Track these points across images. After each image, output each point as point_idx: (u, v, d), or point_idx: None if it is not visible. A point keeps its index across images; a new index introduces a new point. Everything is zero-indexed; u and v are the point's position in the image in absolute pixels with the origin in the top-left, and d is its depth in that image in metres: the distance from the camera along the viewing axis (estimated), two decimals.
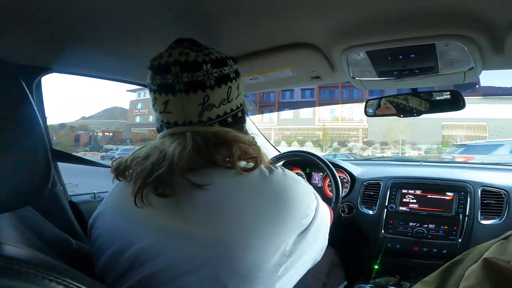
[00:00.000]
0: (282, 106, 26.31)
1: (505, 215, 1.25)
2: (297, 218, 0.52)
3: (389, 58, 0.85)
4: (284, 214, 0.50)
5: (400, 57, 0.83)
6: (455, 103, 1.10)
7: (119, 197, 0.56)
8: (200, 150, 0.50)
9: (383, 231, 1.40)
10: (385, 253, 1.40)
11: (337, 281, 1.34)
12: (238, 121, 0.59)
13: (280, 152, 1.94)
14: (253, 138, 0.59)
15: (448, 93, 1.10)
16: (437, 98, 1.12)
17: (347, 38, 0.83)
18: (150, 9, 0.66)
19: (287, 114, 26.25)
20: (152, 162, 0.50)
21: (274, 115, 26.78)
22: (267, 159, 0.57)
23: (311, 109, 25.21)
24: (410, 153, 19.85)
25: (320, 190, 1.66)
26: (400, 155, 19.24)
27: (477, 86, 19.31)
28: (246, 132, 0.61)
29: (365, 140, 23.52)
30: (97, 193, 1.12)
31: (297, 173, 1.79)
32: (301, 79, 1.15)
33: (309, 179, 1.75)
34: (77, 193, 1.10)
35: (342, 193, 1.60)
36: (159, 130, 0.57)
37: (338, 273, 1.40)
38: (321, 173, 1.70)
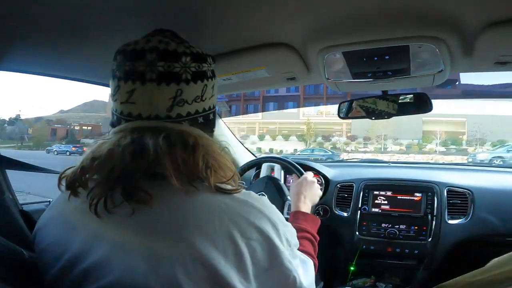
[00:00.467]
0: (266, 101, 26.15)
1: (470, 214, 1.30)
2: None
3: (365, 59, 0.86)
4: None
5: (375, 58, 0.84)
6: (423, 105, 1.14)
7: (64, 207, 0.51)
8: (171, 151, 0.46)
9: (357, 233, 1.41)
10: (360, 254, 1.41)
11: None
12: (209, 123, 0.55)
13: (256, 156, 1.91)
14: (225, 147, 0.54)
15: (415, 95, 1.14)
16: (406, 100, 1.15)
17: (324, 39, 0.82)
18: (112, 5, 0.62)
19: (272, 108, 26.12)
20: (119, 162, 0.44)
21: (259, 108, 26.60)
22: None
23: (296, 103, 25.12)
24: (392, 148, 20.51)
25: None
26: (382, 149, 20.01)
27: (456, 83, 20.23)
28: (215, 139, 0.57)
29: (348, 135, 23.85)
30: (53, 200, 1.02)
31: (272, 177, 1.77)
32: (276, 80, 1.13)
33: (284, 182, 1.74)
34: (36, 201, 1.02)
35: None
36: (114, 124, 0.52)
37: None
38: (296, 176, 1.69)
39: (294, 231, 0.55)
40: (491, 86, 21.07)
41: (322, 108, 25.06)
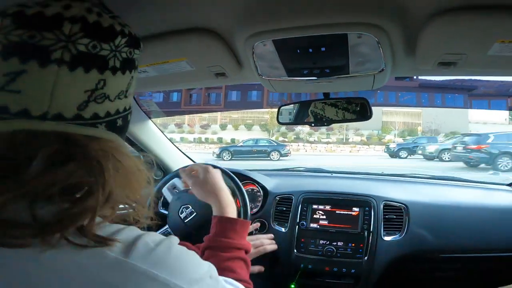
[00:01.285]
0: (229, 88, 25.07)
1: (405, 230, 1.28)
2: None
3: (298, 51, 0.73)
4: None
5: (310, 50, 0.72)
6: (363, 111, 1.07)
7: None
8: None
9: (295, 250, 1.31)
10: (299, 273, 1.31)
11: None
12: (125, 126, 0.44)
13: (194, 161, 1.71)
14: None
15: (356, 100, 1.06)
16: (346, 106, 1.07)
17: (251, 23, 0.68)
18: None
19: (235, 96, 25.30)
20: None
21: (221, 97, 25.60)
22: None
23: (260, 91, 24.20)
24: (354, 138, 21.11)
25: None
26: (344, 140, 20.53)
27: (414, 76, 22.28)
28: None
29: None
30: None
31: None
32: (203, 75, 0.96)
33: None
34: None
35: (253, 208, 1.46)
36: None
37: None
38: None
39: (212, 283, 0.43)
40: (447, 80, 22.66)
41: (287, 96, 24.75)
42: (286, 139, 20.39)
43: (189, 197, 1.21)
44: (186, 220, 1.14)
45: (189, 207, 1.18)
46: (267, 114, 24.32)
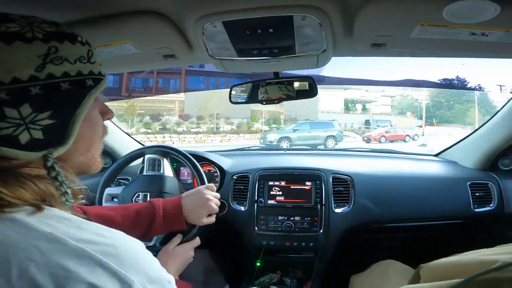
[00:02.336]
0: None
1: (352, 202, 1.37)
2: None
3: (248, 32, 0.76)
4: None
5: (259, 31, 0.75)
6: (310, 90, 1.14)
7: None
8: None
9: (256, 228, 1.35)
10: (263, 250, 1.36)
11: (217, 286, 1.23)
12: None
13: (144, 145, 1.67)
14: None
15: (303, 79, 1.13)
16: (296, 84, 1.13)
17: (200, 4, 0.69)
18: None
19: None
20: None
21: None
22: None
23: (117, 77, 20.37)
24: (224, 127, 20.24)
25: (191, 187, 1.50)
26: (215, 129, 19.69)
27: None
28: None
29: (181, 113, 21.81)
30: None
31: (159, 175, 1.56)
32: (151, 57, 0.94)
33: (177, 175, 1.55)
34: None
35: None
36: None
37: (217, 277, 1.28)
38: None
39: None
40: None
41: (151, 83, 21.47)
42: (149, 130, 18.67)
43: (144, 183, 1.20)
44: None
45: (144, 193, 1.17)
46: (125, 102, 21.06)
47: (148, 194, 1.17)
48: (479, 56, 0.87)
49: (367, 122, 23.07)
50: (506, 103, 1.28)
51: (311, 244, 1.32)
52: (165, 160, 1.43)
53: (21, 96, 0.40)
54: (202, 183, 1.18)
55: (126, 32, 0.77)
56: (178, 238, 1.04)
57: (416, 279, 0.51)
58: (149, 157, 1.30)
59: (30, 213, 0.39)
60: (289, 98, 1.15)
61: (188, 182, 1.55)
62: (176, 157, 1.28)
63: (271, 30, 0.74)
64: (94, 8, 0.70)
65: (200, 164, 1.26)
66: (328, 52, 0.86)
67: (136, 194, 1.17)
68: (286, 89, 1.14)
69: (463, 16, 0.61)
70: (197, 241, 1.06)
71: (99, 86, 0.49)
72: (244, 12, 0.68)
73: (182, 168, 1.57)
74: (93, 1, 0.67)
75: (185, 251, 0.98)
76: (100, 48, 0.83)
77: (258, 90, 1.17)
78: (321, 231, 1.31)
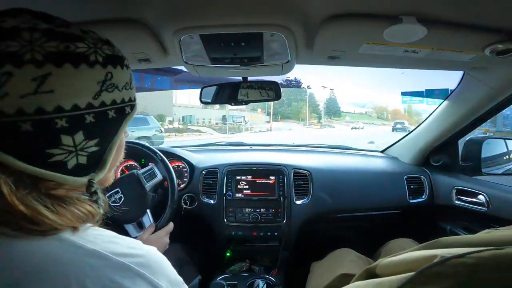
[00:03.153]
0: None
1: (311, 194, 1.50)
2: None
3: (222, 44, 0.84)
4: None
5: (232, 44, 0.84)
6: (275, 93, 1.24)
7: None
8: None
9: (225, 220, 1.44)
10: (231, 240, 1.45)
11: (189, 277, 1.28)
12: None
13: None
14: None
15: (269, 84, 1.22)
16: (262, 87, 1.22)
17: (180, 19, 0.76)
18: None
19: None
20: None
21: None
22: None
23: None
24: None
25: (160, 182, 1.54)
26: None
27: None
28: None
29: None
30: None
31: (131, 165, 1.58)
32: None
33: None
34: None
35: (181, 184, 1.53)
36: None
37: (188, 269, 1.33)
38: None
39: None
40: None
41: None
42: None
43: (117, 182, 1.22)
44: (115, 205, 1.16)
45: (118, 192, 1.19)
46: None
47: (123, 195, 1.19)
48: (411, 68, 1.05)
49: (224, 118, 24.16)
50: (438, 107, 1.50)
51: (276, 233, 1.43)
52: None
53: (77, 124, 0.40)
54: (171, 179, 1.23)
55: (107, 37, 0.81)
56: (151, 228, 1.10)
57: (370, 275, 0.57)
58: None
59: (72, 231, 0.40)
60: (255, 100, 1.23)
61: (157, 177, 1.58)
62: (146, 153, 1.31)
63: (243, 44, 0.84)
64: (78, 12, 0.73)
65: (169, 160, 1.31)
66: (292, 62, 0.97)
67: (112, 192, 1.19)
68: (253, 92, 1.23)
69: (398, 37, 0.75)
70: (170, 226, 1.11)
71: (133, 112, 0.48)
72: (220, 27, 0.77)
73: (150, 163, 1.59)
74: (82, 6, 0.70)
75: (160, 239, 1.02)
76: None
77: (227, 92, 1.25)
78: (284, 221, 1.43)
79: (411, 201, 1.55)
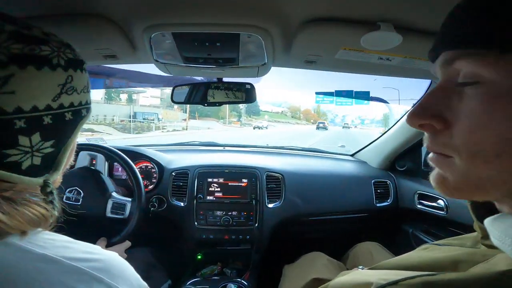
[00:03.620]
0: None
1: (283, 197, 1.50)
2: None
3: (196, 43, 0.80)
4: None
5: (207, 44, 0.80)
6: (250, 95, 1.22)
7: None
8: None
9: (196, 223, 1.40)
10: (203, 244, 1.41)
11: (158, 282, 1.24)
12: None
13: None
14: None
15: (244, 86, 1.20)
16: (236, 89, 1.19)
17: (151, 15, 0.71)
18: None
19: None
20: None
21: None
22: None
23: None
24: None
25: (125, 183, 1.46)
26: None
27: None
28: None
29: None
30: None
31: (91, 169, 1.49)
32: (89, 56, 0.90)
33: (110, 171, 1.50)
34: None
35: (149, 185, 1.47)
36: None
37: (158, 273, 1.29)
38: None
39: None
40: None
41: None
42: None
43: (74, 178, 1.16)
44: (72, 203, 1.11)
45: (76, 189, 1.13)
46: None
47: (81, 191, 1.13)
48: (384, 75, 1.07)
49: (136, 115, 22.60)
50: (405, 114, 1.56)
51: (248, 236, 1.42)
52: (98, 157, 1.37)
53: (35, 125, 0.40)
54: (137, 181, 1.18)
55: (69, 33, 0.74)
56: (102, 242, 1.04)
57: None
58: (83, 154, 1.25)
59: (20, 236, 0.39)
60: (230, 102, 1.20)
61: (123, 177, 1.50)
62: (107, 155, 1.25)
63: (218, 44, 0.80)
64: (41, 6, 0.67)
65: (136, 162, 1.25)
66: (268, 65, 0.95)
67: (69, 190, 1.12)
68: (227, 93, 1.20)
69: (375, 44, 0.76)
70: (126, 243, 1.07)
71: (88, 114, 0.49)
72: (194, 26, 0.73)
73: (115, 164, 1.51)
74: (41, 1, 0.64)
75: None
76: None
77: (200, 92, 1.21)
78: (256, 224, 1.42)
79: (378, 204, 1.60)
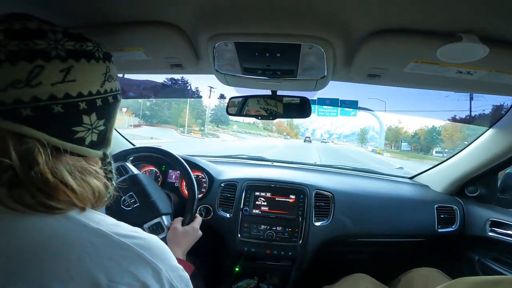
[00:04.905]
0: None
1: (331, 216, 1.44)
2: None
3: (256, 54, 0.81)
4: None
5: (267, 54, 0.80)
6: (305, 109, 1.19)
7: None
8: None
9: (239, 235, 1.39)
10: (242, 256, 1.40)
11: None
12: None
13: (134, 145, 1.66)
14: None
15: (300, 99, 1.17)
16: (291, 103, 1.18)
17: (216, 24, 0.73)
18: None
19: None
20: None
21: None
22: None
23: None
24: None
25: (177, 190, 1.51)
26: None
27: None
28: None
29: None
30: None
31: (151, 170, 1.57)
32: (158, 65, 0.97)
33: (164, 177, 1.56)
34: None
35: (199, 194, 1.50)
36: None
37: (195, 282, 1.29)
38: (178, 172, 1.55)
39: (185, 275, 0.53)
40: None
41: None
42: None
43: (133, 186, 1.20)
44: (127, 208, 1.14)
45: (133, 197, 1.16)
46: None
47: (137, 201, 1.16)
48: (460, 91, 0.96)
49: None
50: (478, 137, 1.40)
51: (290, 253, 1.38)
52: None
53: (92, 107, 0.48)
54: (193, 191, 1.19)
55: (141, 40, 0.80)
56: (179, 221, 1.11)
57: None
58: (142, 156, 1.32)
59: (79, 212, 0.45)
60: (284, 115, 1.19)
61: (175, 185, 1.56)
62: (168, 161, 1.29)
63: (278, 55, 0.80)
64: (113, 15, 0.72)
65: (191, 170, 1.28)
66: (327, 78, 0.92)
67: (129, 194, 1.16)
68: (282, 107, 1.19)
69: (454, 57, 0.68)
70: (199, 219, 1.15)
71: (120, 99, 0.58)
72: (257, 36, 0.73)
73: (170, 170, 1.58)
74: (113, 9, 0.70)
75: (195, 230, 1.07)
76: (112, 52, 0.85)
77: (255, 105, 1.21)
78: (300, 241, 1.37)
79: (439, 230, 1.49)
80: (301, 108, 1.17)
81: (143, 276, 0.43)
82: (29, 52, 0.42)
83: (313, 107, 1.18)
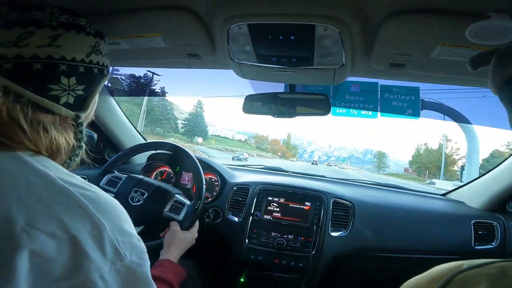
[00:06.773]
0: None
1: (350, 227, 1.34)
2: None
3: (270, 37, 0.78)
4: None
5: (281, 37, 0.77)
6: (324, 107, 1.14)
7: None
8: None
9: (247, 241, 1.32)
10: (248, 265, 1.32)
11: None
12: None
13: (146, 140, 1.69)
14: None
15: (318, 95, 1.13)
16: (308, 99, 1.14)
17: (231, 5, 0.72)
18: None
19: None
20: None
21: None
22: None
23: None
24: None
25: (188, 192, 1.48)
26: None
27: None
28: None
29: None
30: None
31: (164, 171, 1.57)
32: (176, 53, 0.97)
33: (177, 178, 1.55)
34: None
35: (209, 197, 1.46)
36: None
37: (194, 286, 1.24)
38: (191, 174, 1.53)
39: (141, 245, 0.47)
40: None
41: None
42: None
43: (131, 182, 1.20)
44: (137, 203, 1.14)
45: (137, 190, 1.16)
46: None
47: (146, 191, 1.16)
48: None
49: None
50: None
51: (301, 264, 1.28)
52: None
53: (73, 71, 0.54)
54: (200, 189, 1.17)
55: (159, 25, 0.81)
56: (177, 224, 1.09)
57: None
58: (157, 155, 1.32)
59: (32, 154, 0.46)
60: (303, 113, 1.15)
61: (188, 187, 1.54)
62: (183, 159, 1.28)
63: (292, 38, 0.76)
64: (130, 0, 0.74)
65: (204, 172, 1.25)
66: (346, 68, 0.87)
67: (134, 190, 1.17)
68: (299, 104, 1.15)
69: (486, 37, 0.60)
70: (197, 225, 1.12)
71: (108, 75, 0.64)
72: (270, 16, 0.71)
73: (184, 172, 1.57)
74: None
75: (193, 237, 1.06)
76: (132, 39, 0.87)
77: (273, 102, 1.18)
78: (313, 252, 1.28)
79: (477, 247, 1.34)
80: (320, 105, 1.13)
81: (75, 229, 0.39)
82: (25, 21, 0.49)
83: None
